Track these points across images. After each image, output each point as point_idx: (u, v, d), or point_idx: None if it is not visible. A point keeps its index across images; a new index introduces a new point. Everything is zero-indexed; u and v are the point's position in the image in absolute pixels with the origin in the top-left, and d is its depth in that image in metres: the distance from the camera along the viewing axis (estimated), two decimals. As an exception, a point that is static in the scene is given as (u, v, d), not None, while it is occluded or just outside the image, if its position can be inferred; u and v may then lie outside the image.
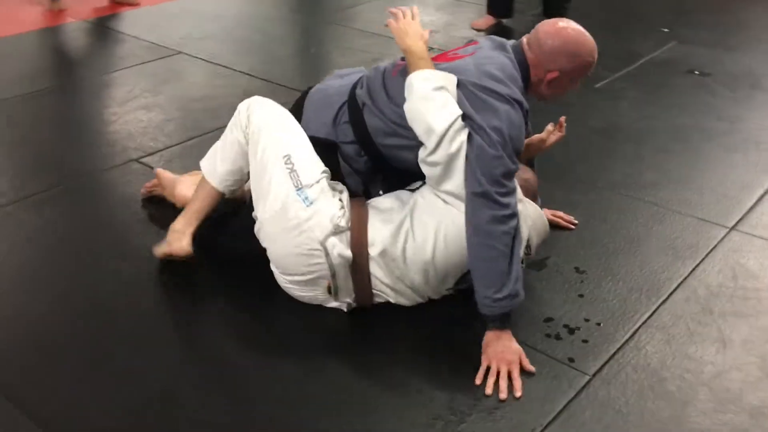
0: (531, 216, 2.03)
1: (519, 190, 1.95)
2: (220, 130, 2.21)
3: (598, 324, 2.02)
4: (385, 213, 1.98)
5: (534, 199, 2.16)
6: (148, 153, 2.88)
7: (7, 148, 3.00)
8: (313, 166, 1.97)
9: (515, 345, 1.87)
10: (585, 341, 1.95)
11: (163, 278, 2.17)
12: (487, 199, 1.81)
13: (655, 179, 2.78)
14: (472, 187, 1.83)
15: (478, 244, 1.83)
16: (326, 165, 2.02)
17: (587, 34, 2.00)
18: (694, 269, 2.26)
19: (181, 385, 1.80)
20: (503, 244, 1.81)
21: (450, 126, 1.83)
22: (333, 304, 2.00)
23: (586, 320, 2.03)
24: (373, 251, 1.91)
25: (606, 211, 2.57)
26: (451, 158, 1.85)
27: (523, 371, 1.83)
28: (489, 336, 1.87)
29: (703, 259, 2.31)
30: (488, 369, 1.83)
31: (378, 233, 1.92)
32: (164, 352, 1.91)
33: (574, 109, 3.36)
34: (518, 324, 1.94)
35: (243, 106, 2.08)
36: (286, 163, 1.94)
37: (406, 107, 1.91)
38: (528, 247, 2.00)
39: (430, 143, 1.86)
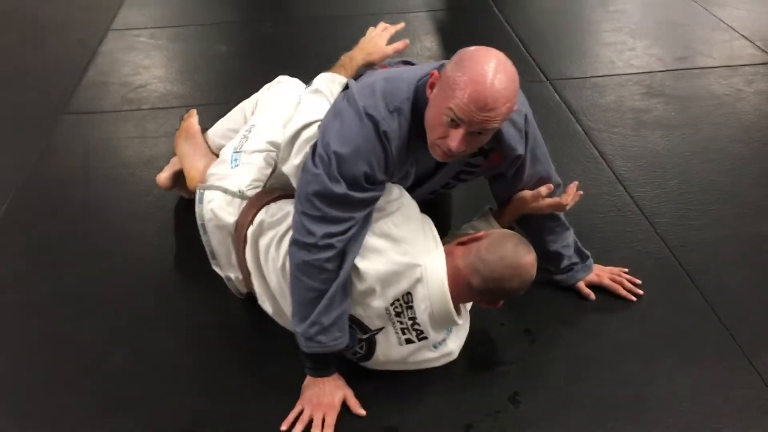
0: (428, 272, 1.58)
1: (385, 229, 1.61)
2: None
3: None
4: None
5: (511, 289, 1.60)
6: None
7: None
8: (264, 138, 1.91)
9: (336, 390, 1.68)
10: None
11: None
12: (295, 215, 1.60)
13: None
14: None
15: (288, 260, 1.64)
16: None
17: (497, 67, 1.42)
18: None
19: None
20: (303, 273, 1.57)
21: (297, 132, 1.67)
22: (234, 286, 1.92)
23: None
24: (249, 230, 1.77)
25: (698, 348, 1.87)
26: (299, 171, 1.64)
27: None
28: (308, 378, 1.70)
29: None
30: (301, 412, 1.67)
31: (263, 217, 1.77)
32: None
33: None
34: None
35: (267, 87, 2.17)
36: (245, 131, 1.96)
37: None
38: (410, 307, 1.59)
39: (282, 151, 1.72)
